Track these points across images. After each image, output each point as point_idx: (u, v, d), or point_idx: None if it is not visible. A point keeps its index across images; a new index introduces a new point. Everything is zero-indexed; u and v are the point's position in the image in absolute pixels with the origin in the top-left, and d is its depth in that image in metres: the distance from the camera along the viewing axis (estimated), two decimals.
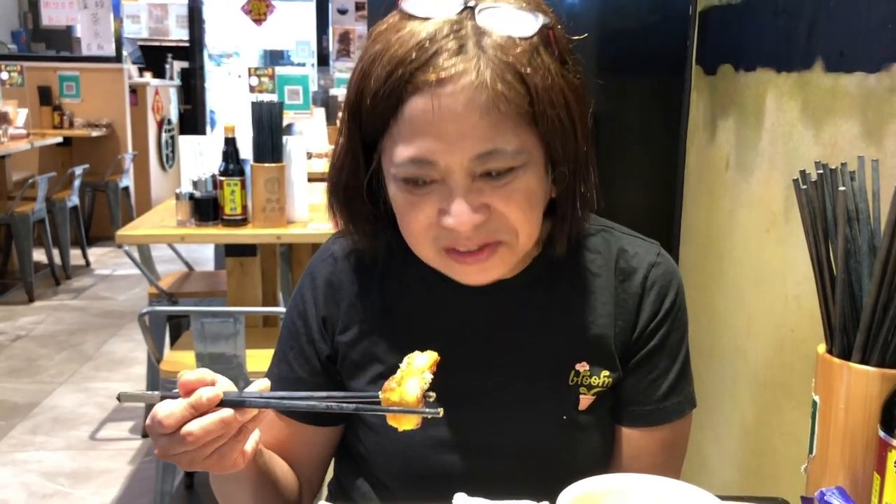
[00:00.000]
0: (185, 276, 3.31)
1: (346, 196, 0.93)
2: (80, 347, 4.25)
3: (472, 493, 0.94)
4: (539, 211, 0.88)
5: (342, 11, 8.14)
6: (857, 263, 0.82)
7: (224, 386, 0.78)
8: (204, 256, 5.44)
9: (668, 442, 0.99)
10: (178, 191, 2.58)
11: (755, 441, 1.38)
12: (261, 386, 0.80)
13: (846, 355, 0.81)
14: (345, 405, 0.78)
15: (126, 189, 6.51)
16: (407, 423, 0.76)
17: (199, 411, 0.75)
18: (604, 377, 0.96)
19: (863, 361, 0.80)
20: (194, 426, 0.75)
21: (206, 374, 0.78)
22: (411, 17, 0.82)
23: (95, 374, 3.90)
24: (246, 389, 0.80)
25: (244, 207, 2.54)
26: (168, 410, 0.75)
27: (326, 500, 1.10)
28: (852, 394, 0.79)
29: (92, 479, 2.92)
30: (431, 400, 0.76)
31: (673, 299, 0.98)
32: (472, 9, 0.82)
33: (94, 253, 6.21)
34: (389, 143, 0.85)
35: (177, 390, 0.78)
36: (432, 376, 0.77)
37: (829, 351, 0.83)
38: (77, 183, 5.53)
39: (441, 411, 0.74)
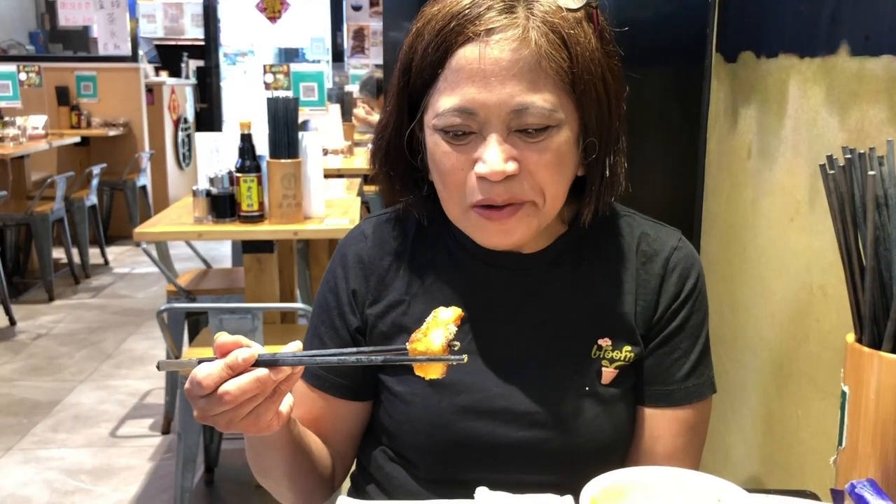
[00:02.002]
0: (203, 274, 3.32)
1: (388, 153, 0.98)
2: (100, 345, 4.28)
3: (493, 463, 0.95)
4: (566, 178, 0.92)
5: (356, 8, 8.15)
6: (887, 251, 0.80)
7: (259, 349, 0.81)
8: (221, 254, 5.47)
9: (689, 424, 1.01)
10: (194, 188, 2.58)
11: (781, 433, 1.36)
12: (294, 348, 0.82)
13: (876, 345, 0.79)
14: (374, 357, 0.81)
15: (143, 188, 6.55)
16: (433, 372, 0.79)
17: (235, 371, 0.78)
18: (626, 352, 0.98)
19: (893, 350, 0.78)
20: (231, 385, 0.77)
21: (241, 338, 0.80)
22: None
23: (115, 372, 3.92)
24: (280, 351, 0.82)
25: (261, 204, 2.53)
26: (206, 371, 0.78)
27: (349, 493, 1.10)
28: (883, 384, 0.77)
29: (113, 476, 2.94)
30: (456, 349, 0.78)
31: (694, 282, 1.01)
32: None
33: (112, 252, 6.24)
34: (434, 96, 0.90)
35: (213, 356, 0.80)
36: (456, 329, 0.79)
37: (859, 340, 0.81)
38: (95, 182, 5.57)
39: (465, 357, 0.77)
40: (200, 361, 0.80)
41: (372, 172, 1.02)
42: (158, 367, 0.83)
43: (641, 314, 0.99)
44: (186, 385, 0.80)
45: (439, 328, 0.79)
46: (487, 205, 0.90)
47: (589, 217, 0.96)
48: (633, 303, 0.99)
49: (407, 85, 0.93)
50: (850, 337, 0.82)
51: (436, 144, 0.91)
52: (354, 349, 0.84)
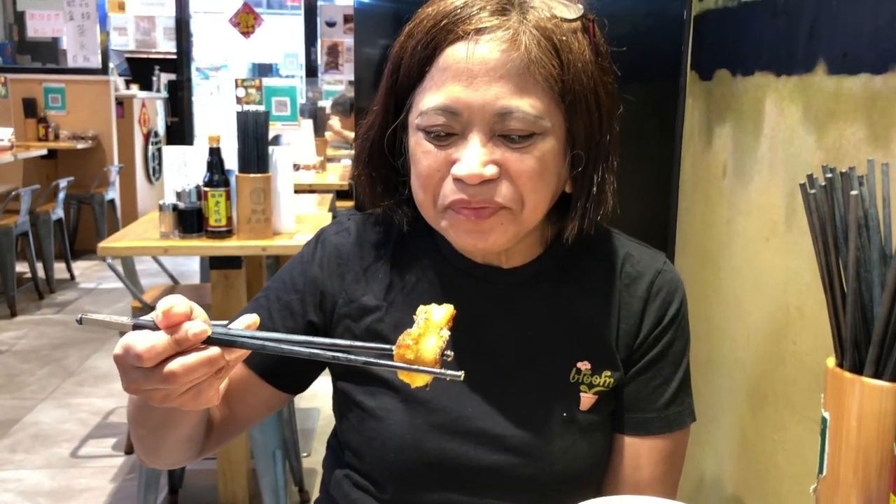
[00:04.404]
0: (170, 290, 3.26)
1: (371, 154, 0.95)
2: (63, 362, 4.18)
3: (464, 486, 0.92)
4: (549, 187, 0.88)
5: (330, 24, 8.13)
6: (868, 273, 0.78)
7: (202, 315, 0.73)
8: (190, 270, 5.39)
9: (668, 452, 0.98)
10: (161, 202, 2.52)
11: (756, 458, 1.34)
12: (247, 322, 0.74)
13: (858, 369, 0.77)
14: (353, 357, 0.73)
15: (112, 202, 6.46)
16: (420, 380, 0.72)
17: (182, 347, 0.70)
18: (605, 377, 0.95)
19: (876, 375, 0.75)
20: (177, 365, 0.69)
21: (191, 305, 0.72)
22: None
23: (78, 390, 3.83)
24: (233, 324, 0.74)
25: (229, 219, 2.48)
26: (149, 344, 0.69)
27: None
28: (865, 410, 0.75)
29: (72, 498, 2.85)
30: (449, 360, 0.72)
31: (678, 308, 0.98)
32: None
33: (78, 266, 6.13)
34: (419, 95, 0.88)
35: (150, 318, 0.71)
36: (449, 332, 0.73)
37: (840, 365, 0.79)
38: (62, 196, 5.47)
39: (462, 374, 0.69)
40: (136, 325, 0.70)
41: (354, 174, 0.99)
42: (80, 322, 0.71)
43: (623, 338, 0.96)
44: (118, 350, 0.71)
45: (432, 334, 0.72)
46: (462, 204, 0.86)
47: (574, 233, 0.93)
48: (614, 325, 0.96)
49: (395, 84, 0.91)
50: (831, 361, 0.80)
51: (417, 143, 0.88)
52: (329, 341, 0.75)
